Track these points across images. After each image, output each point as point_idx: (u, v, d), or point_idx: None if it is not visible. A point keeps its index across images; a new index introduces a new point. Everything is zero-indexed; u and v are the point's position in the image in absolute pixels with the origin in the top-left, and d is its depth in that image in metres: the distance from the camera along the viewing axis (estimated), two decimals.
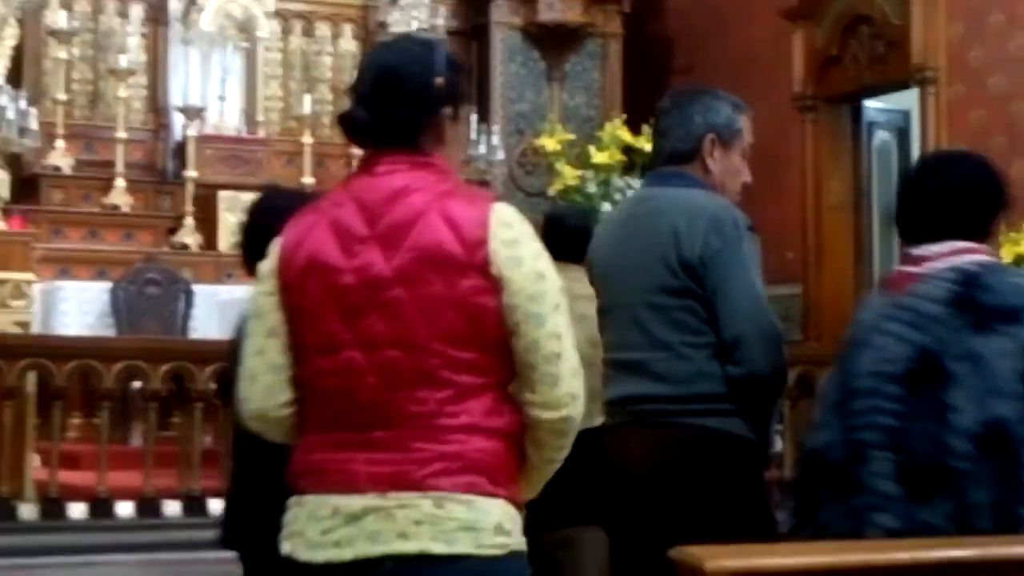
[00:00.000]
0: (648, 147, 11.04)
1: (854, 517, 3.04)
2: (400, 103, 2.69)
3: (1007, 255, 8.35)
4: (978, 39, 10.12)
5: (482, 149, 11.36)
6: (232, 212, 10.66)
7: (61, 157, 10.62)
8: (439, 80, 2.71)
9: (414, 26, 11.50)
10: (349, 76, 11.39)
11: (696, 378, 3.52)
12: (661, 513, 3.46)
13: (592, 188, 11.12)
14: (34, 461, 6.55)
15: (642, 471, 3.56)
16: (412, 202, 2.61)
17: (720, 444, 3.51)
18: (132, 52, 10.94)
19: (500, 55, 12.38)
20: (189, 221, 10.57)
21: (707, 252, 3.49)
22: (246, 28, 11.16)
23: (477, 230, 2.58)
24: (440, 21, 12.03)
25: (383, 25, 11.67)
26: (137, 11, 11.26)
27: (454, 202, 2.62)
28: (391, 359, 2.57)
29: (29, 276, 8.15)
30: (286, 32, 11.67)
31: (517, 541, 2.63)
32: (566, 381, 2.61)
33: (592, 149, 11.32)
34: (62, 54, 10.78)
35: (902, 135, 11.41)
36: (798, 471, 3.64)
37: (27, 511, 6.26)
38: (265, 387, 2.74)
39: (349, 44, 11.91)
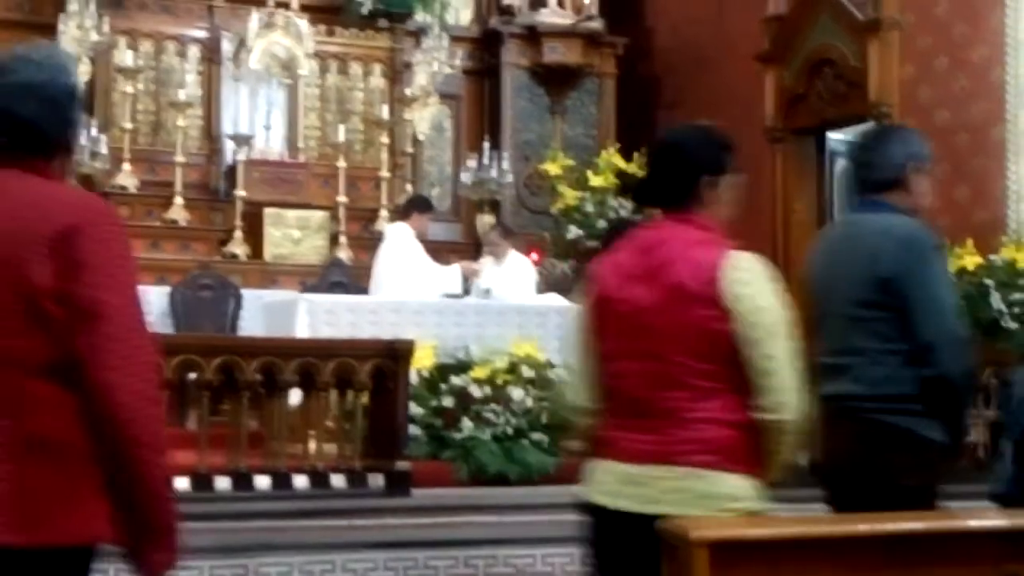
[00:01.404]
0: (639, 172, 11.09)
1: None
2: (671, 173, 3.14)
3: (951, 269, 8.34)
4: (926, 80, 10.13)
5: (493, 173, 11.34)
6: (276, 227, 10.71)
7: (127, 178, 10.65)
8: (697, 152, 3.14)
9: (435, 67, 11.52)
10: (378, 109, 11.48)
11: (887, 381, 3.59)
12: (850, 493, 3.58)
13: (590, 208, 11.12)
14: None
15: (838, 458, 3.67)
16: (668, 250, 3.05)
17: (902, 439, 3.58)
18: (189, 87, 10.98)
19: (510, 91, 12.38)
20: (238, 234, 10.59)
21: (901, 269, 3.57)
22: (289, 67, 11.17)
23: (712, 272, 2.97)
24: (458, 62, 12.05)
25: (408, 65, 11.69)
26: (194, 51, 11.30)
27: (698, 250, 3.02)
28: (648, 367, 3.02)
29: None
30: (323, 70, 11.66)
31: (750, 505, 2.98)
32: (776, 392, 2.97)
33: (590, 174, 11.31)
34: (128, 88, 10.81)
35: None
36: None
37: None
38: (575, 387, 3.31)
39: (378, 81, 11.89)
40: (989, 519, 2.96)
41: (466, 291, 9.08)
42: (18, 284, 2.40)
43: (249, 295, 9.66)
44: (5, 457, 2.40)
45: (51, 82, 2.58)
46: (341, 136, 11.15)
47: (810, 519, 2.93)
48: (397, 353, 6.67)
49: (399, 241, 9.06)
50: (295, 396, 6.55)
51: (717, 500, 2.94)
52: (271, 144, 11.22)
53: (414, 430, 7.21)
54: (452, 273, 9.08)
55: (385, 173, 11.35)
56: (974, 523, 2.88)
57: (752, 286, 2.98)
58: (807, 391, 3.06)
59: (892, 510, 3.16)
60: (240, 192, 10.61)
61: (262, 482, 6.19)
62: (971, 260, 8.75)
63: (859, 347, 3.64)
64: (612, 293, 3.11)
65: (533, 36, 12.31)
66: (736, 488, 2.97)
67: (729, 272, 2.97)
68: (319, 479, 6.28)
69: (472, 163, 11.46)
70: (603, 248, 4.65)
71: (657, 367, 3.00)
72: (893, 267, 3.56)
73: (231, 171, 10.88)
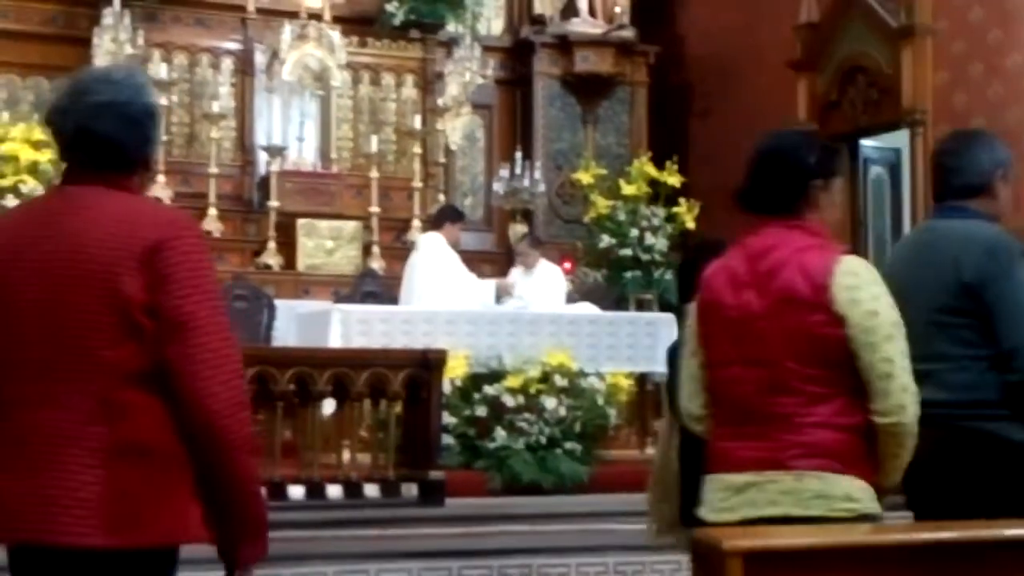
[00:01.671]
0: (671, 181, 11.09)
1: None
2: (779, 179, 3.15)
3: None
4: (961, 86, 10.08)
5: (526, 182, 11.36)
6: (309, 237, 10.74)
7: (162, 189, 10.68)
8: (810, 160, 3.14)
9: (467, 77, 11.53)
10: (410, 119, 11.51)
11: (972, 387, 3.56)
12: (932, 500, 3.53)
13: (622, 216, 11.11)
14: None
15: (921, 464, 3.60)
16: (777, 256, 3.04)
17: (987, 444, 3.54)
18: (223, 99, 11.04)
19: (542, 101, 12.41)
20: (271, 245, 10.63)
21: (984, 276, 3.53)
22: (321, 78, 11.21)
23: (823, 277, 2.96)
24: (490, 72, 12.06)
25: (440, 75, 11.71)
26: (227, 64, 11.37)
27: (809, 255, 3.01)
28: (760, 373, 3.01)
29: None
30: (356, 81, 11.70)
31: (866, 507, 2.96)
32: (895, 395, 2.96)
33: (622, 182, 11.30)
34: (163, 101, 10.83)
35: (894, 171, 11.35)
36: None
37: None
38: (688, 393, 3.29)
39: (410, 92, 11.92)
40: None
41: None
42: (110, 297, 2.51)
43: (282, 305, 9.68)
44: (97, 462, 2.49)
45: (130, 102, 2.68)
46: (374, 147, 11.18)
47: (842, 529, 2.91)
48: (430, 363, 6.67)
49: (435, 251, 9.07)
50: (329, 406, 6.57)
51: (833, 500, 2.94)
52: (304, 155, 11.26)
53: (447, 439, 7.22)
54: (487, 288, 9.09)
55: (418, 183, 11.37)
56: (1010, 532, 2.85)
57: (864, 290, 2.98)
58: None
59: (976, 516, 3.13)
60: (273, 203, 10.66)
61: (296, 492, 6.20)
62: None
63: (942, 353, 3.58)
64: (722, 299, 3.12)
65: (565, 45, 12.33)
66: (851, 490, 2.96)
67: (841, 278, 2.97)
68: (353, 489, 6.29)
69: (504, 173, 11.47)
70: (688, 266, 4.66)
71: (768, 373, 3.00)
72: (977, 274, 3.52)
73: (264, 182, 10.94)
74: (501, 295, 9.08)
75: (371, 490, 6.36)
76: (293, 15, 11.10)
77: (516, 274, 9.57)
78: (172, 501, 2.55)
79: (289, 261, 10.68)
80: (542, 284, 9.44)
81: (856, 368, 2.96)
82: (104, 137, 2.64)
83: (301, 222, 10.72)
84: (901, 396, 2.96)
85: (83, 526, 2.47)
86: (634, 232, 11.04)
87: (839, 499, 2.94)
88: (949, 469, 3.53)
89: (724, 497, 3.06)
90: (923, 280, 3.66)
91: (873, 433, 2.98)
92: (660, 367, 8.77)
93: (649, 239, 11.06)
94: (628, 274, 11.04)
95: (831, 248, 3.06)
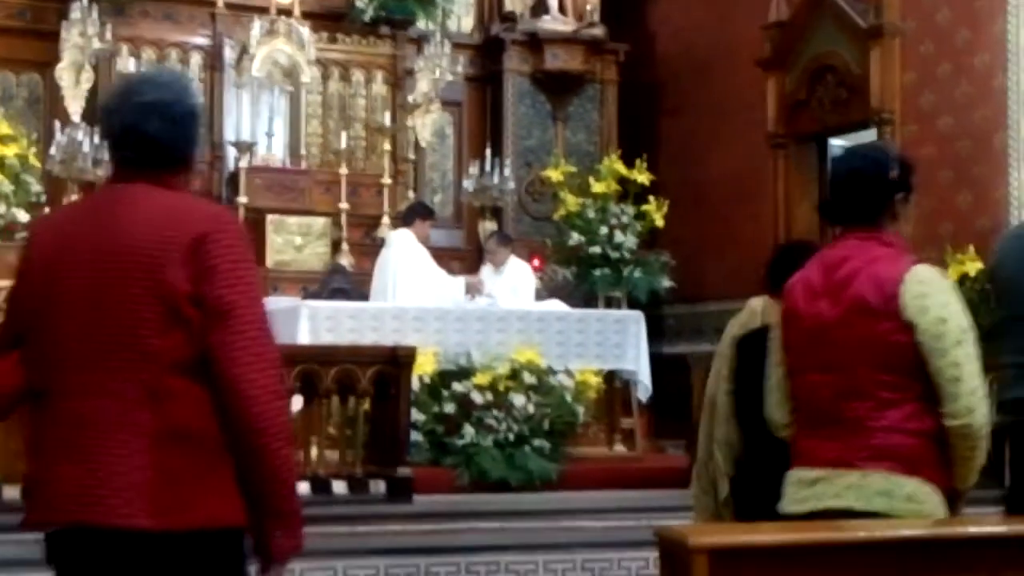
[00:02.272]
0: (640, 178, 11.11)
1: None
2: (854, 193, 3.25)
3: (953, 275, 8.35)
4: (929, 86, 10.13)
5: (496, 179, 11.36)
6: (278, 233, 10.72)
7: None
8: (892, 173, 3.25)
9: (437, 74, 11.53)
10: (380, 116, 11.50)
11: None
12: None
13: (591, 214, 11.11)
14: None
15: None
16: (851, 266, 3.15)
17: None
18: None
19: (512, 98, 12.40)
20: None
21: None
22: (291, 74, 11.18)
23: (893, 287, 3.06)
24: (460, 69, 12.05)
25: (410, 72, 11.70)
26: (196, 59, 11.32)
27: (880, 265, 3.12)
28: (834, 379, 3.12)
29: None
30: (325, 78, 11.67)
31: (929, 509, 3.04)
32: (964, 398, 3.02)
33: (591, 180, 11.30)
34: None
35: None
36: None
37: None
38: (775, 402, 3.39)
39: (380, 88, 11.89)
40: (987, 526, 2.96)
41: None
42: (157, 288, 2.60)
43: None
44: (144, 448, 2.57)
45: (176, 103, 2.78)
46: (343, 143, 11.17)
47: (807, 526, 2.93)
48: (399, 359, 6.68)
49: (406, 248, 9.07)
50: (297, 403, 6.56)
51: (895, 499, 3.03)
52: (273, 151, 11.23)
53: (416, 436, 7.22)
54: (457, 285, 9.10)
55: (387, 180, 11.35)
56: (973, 529, 2.88)
57: (934, 298, 3.07)
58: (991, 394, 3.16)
59: None
60: (242, 199, 10.61)
61: (339, 488, 6.21)
62: (972, 266, 8.75)
63: None
64: (799, 309, 3.25)
65: (535, 43, 12.32)
66: (916, 491, 3.05)
67: (911, 286, 3.07)
68: (321, 485, 6.29)
69: (474, 170, 11.47)
70: (775, 268, 4.78)
71: (842, 379, 3.11)
72: None
73: (233, 178, 10.90)
74: (471, 292, 9.09)
75: (339, 487, 6.36)
76: (263, 11, 11.06)
77: (486, 271, 9.59)
78: (216, 485, 2.62)
79: (258, 257, 10.62)
80: (511, 281, 9.45)
81: (927, 374, 3.05)
82: (150, 136, 2.73)
83: (270, 218, 10.69)
84: (970, 399, 3.03)
85: (131, 508, 2.54)
86: (603, 230, 11.05)
87: (901, 499, 3.03)
88: None
89: (797, 491, 3.20)
90: None
91: (946, 438, 3.06)
92: (629, 364, 8.84)
93: (618, 237, 11.07)
94: (597, 271, 11.05)
95: (904, 258, 3.16)
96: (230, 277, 2.63)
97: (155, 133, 2.73)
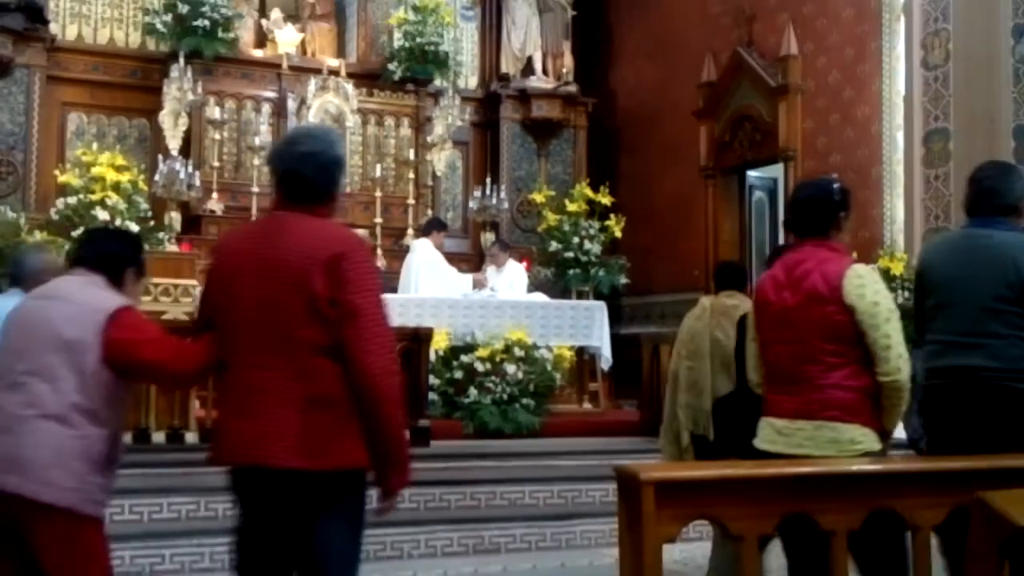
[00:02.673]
0: (604, 200, 11.12)
1: None
2: (815, 213, 3.30)
3: None
4: (822, 131, 10.15)
5: (494, 201, 11.34)
6: None
7: (215, 203, 10.63)
8: (836, 198, 3.31)
9: (449, 120, 11.51)
10: (406, 152, 11.48)
11: (1020, 359, 3.51)
12: (974, 440, 3.42)
13: (566, 227, 11.12)
14: (195, 404, 6.52)
15: (961, 415, 3.54)
16: (806, 266, 3.22)
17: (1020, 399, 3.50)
18: (262, 135, 10.96)
19: (506, 139, 12.38)
20: None
21: None
22: (338, 120, 11.14)
23: (837, 279, 3.14)
24: (467, 117, 12.05)
25: (428, 119, 11.68)
26: (266, 108, 11.28)
27: (828, 265, 3.18)
28: (793, 349, 3.18)
29: (193, 282, 8.14)
30: (364, 123, 11.64)
31: (868, 446, 3.10)
32: (894, 360, 3.10)
33: (567, 201, 11.31)
34: (216, 136, 10.80)
35: (771, 194, 11.41)
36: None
37: (190, 437, 6.25)
38: (753, 366, 3.45)
39: (406, 131, 11.86)
40: (867, 464, 2.96)
41: None
42: (306, 292, 2.66)
43: None
44: (296, 410, 2.65)
45: (324, 152, 2.84)
46: (378, 172, 11.15)
47: (730, 464, 2.93)
48: (420, 337, 6.68)
49: (425, 253, 9.08)
50: None
51: (842, 444, 3.08)
52: None
53: (432, 396, 7.23)
54: (465, 281, 9.12)
55: (411, 201, 11.33)
56: (857, 468, 2.88)
57: (868, 287, 3.13)
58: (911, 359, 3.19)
59: (1010, 450, 3.23)
60: None
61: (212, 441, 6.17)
62: None
63: (996, 332, 3.54)
64: (769, 298, 3.29)
65: (524, 97, 12.31)
66: (857, 435, 3.09)
67: (851, 279, 3.13)
68: None
69: (477, 193, 11.46)
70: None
71: (799, 348, 3.17)
72: None
73: None
74: (476, 286, 9.08)
75: None
76: (317, 71, 11.06)
77: (489, 271, 9.59)
78: (348, 437, 2.68)
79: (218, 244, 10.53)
80: (509, 278, 9.46)
81: (863, 344, 3.10)
82: (304, 177, 2.79)
83: None
84: (898, 361, 3.10)
85: (288, 454, 2.63)
86: (575, 239, 11.06)
87: (846, 442, 3.08)
88: (993, 417, 3.47)
89: (771, 435, 3.23)
90: (979, 274, 3.59)
91: (878, 392, 3.12)
92: (595, 342, 8.84)
93: (587, 245, 11.08)
94: (571, 271, 11.07)
95: (845, 259, 3.23)
96: (358, 286, 2.68)
97: (307, 175, 2.79)
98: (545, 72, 12.42)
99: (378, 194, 11.04)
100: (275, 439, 2.64)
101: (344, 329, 2.66)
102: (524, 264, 10.15)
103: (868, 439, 3.10)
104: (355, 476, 2.74)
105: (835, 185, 3.38)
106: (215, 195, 10.62)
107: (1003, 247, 3.58)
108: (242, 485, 2.77)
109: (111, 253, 3.08)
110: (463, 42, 12.47)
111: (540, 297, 9.19)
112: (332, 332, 2.66)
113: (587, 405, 8.83)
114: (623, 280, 11.24)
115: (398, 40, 11.56)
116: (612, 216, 11.18)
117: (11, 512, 2.76)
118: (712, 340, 4.73)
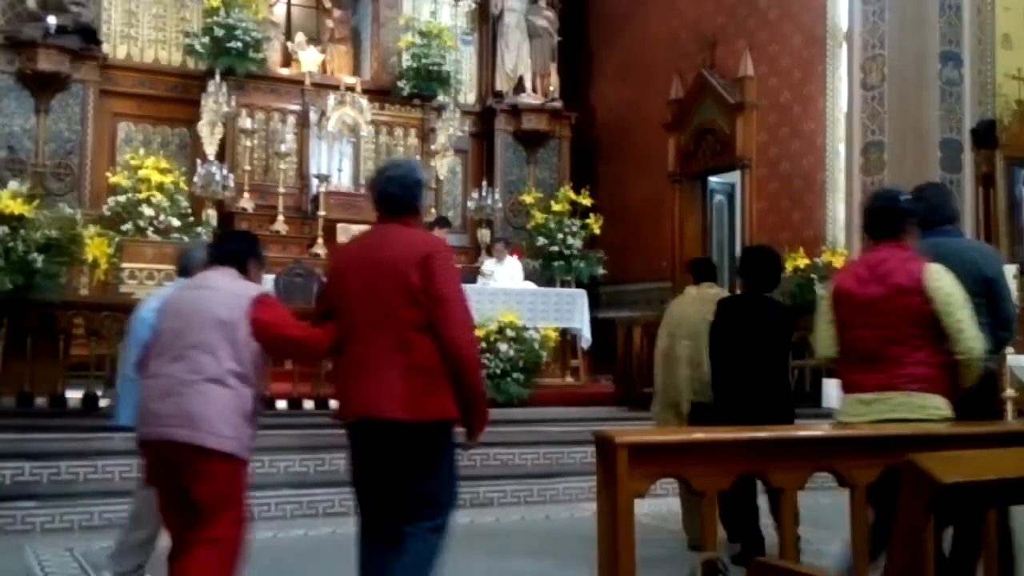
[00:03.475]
0: (585, 202, 11.11)
1: None
2: (888, 220, 3.36)
3: (788, 266, 8.38)
4: (774, 143, 10.16)
5: (489, 201, 11.33)
6: (345, 235, 10.64)
7: (246, 202, 10.60)
8: (904, 207, 3.38)
9: (451, 131, 11.48)
10: (413, 157, 11.43)
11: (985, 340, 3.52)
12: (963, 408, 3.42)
13: (552, 225, 11.14)
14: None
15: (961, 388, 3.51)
16: (889, 264, 3.29)
17: (987, 374, 3.51)
18: (288, 143, 10.93)
19: (500, 147, 12.36)
20: (320, 240, 10.53)
21: (997, 272, 3.66)
22: (354, 130, 11.12)
23: (919, 275, 3.22)
24: (466, 128, 12.02)
25: (432, 130, 11.66)
26: (291, 119, 11.25)
27: (909, 263, 3.26)
28: (881, 333, 3.23)
29: None
30: (377, 133, 11.61)
31: (946, 413, 3.18)
32: (966, 341, 3.19)
33: (552, 203, 11.32)
34: (248, 143, 10.76)
35: (730, 198, 11.44)
36: None
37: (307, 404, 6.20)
38: (826, 345, 3.42)
39: (413, 140, 11.85)
40: (812, 431, 2.97)
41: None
42: (404, 284, 2.97)
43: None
44: (399, 375, 2.94)
45: (407, 176, 3.15)
46: None
47: (696, 429, 2.93)
48: None
49: None
50: None
51: (928, 409, 3.15)
52: (342, 181, 11.17)
53: None
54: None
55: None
56: (803, 433, 2.88)
57: (944, 281, 3.22)
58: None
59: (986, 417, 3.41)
60: (321, 213, 10.55)
61: (335, 403, 6.16)
62: (802, 261, 8.80)
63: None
64: (851, 291, 3.33)
65: (515, 111, 12.28)
66: (940, 403, 3.18)
67: (928, 275, 3.22)
68: None
69: (475, 195, 11.44)
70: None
71: (888, 333, 3.22)
72: (993, 271, 3.63)
73: (315, 199, 10.82)
74: (477, 277, 9.08)
75: None
76: (336, 87, 10.99)
77: (490, 263, 9.59)
78: (440, 395, 2.96)
79: (331, 251, 10.58)
80: (509, 270, 9.48)
81: (940, 329, 3.19)
82: (393, 196, 3.12)
83: (340, 226, 10.60)
84: (971, 342, 3.19)
85: (395, 408, 2.93)
86: (560, 235, 11.06)
87: (932, 408, 3.16)
88: (976, 389, 3.46)
89: (856, 407, 3.25)
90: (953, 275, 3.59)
91: (952, 367, 3.21)
92: (576, 324, 8.85)
93: (570, 240, 11.10)
94: (555, 263, 11.08)
95: (918, 259, 3.30)
96: (444, 278, 2.98)
97: (396, 195, 3.11)
98: (534, 90, 12.39)
99: None
100: (385, 397, 2.92)
101: (434, 311, 2.94)
102: (515, 256, 10.16)
103: (946, 407, 3.20)
104: (446, 425, 3.01)
105: (902, 196, 3.46)
106: (246, 194, 10.58)
107: (967, 251, 3.69)
108: (359, 436, 3.05)
109: (237, 251, 3.29)
110: (463, 63, 12.42)
111: (529, 285, 9.20)
112: (425, 314, 2.94)
113: (569, 379, 8.84)
114: (601, 271, 11.26)
115: (406, 61, 11.52)
116: (591, 215, 11.19)
117: (178, 458, 2.97)
118: (703, 322, 4.76)
